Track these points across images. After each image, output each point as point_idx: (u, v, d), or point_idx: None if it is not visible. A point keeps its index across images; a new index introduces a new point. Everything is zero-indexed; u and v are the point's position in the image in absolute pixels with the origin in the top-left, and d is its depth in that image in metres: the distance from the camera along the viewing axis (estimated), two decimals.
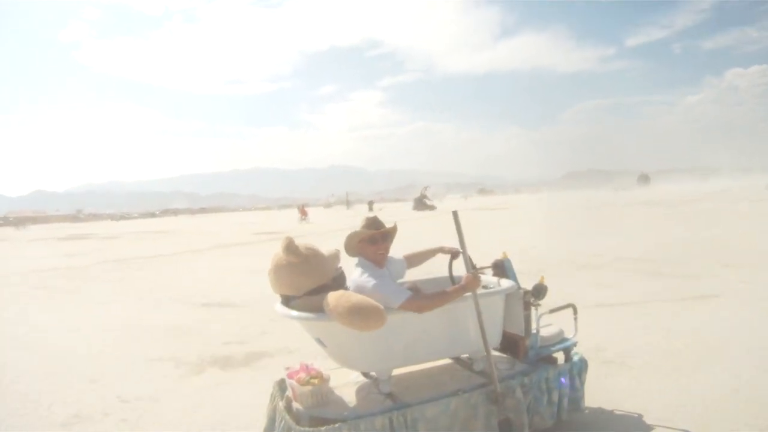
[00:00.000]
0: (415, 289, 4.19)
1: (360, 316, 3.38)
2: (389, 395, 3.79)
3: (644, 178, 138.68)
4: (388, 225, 4.05)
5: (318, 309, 3.61)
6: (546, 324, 4.42)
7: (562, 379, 4.23)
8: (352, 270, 3.91)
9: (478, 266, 4.45)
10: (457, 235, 3.90)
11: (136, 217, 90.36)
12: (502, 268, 4.46)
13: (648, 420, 4.42)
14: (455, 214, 3.90)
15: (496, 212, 41.65)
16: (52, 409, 5.36)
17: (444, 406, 3.71)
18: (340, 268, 4.05)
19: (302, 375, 3.79)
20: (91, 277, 15.40)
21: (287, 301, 3.85)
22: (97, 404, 5.42)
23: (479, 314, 3.75)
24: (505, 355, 4.44)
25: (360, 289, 3.67)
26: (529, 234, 20.89)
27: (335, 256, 4.00)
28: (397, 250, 4.21)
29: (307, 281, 3.77)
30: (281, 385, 4.07)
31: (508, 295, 4.17)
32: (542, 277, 4.25)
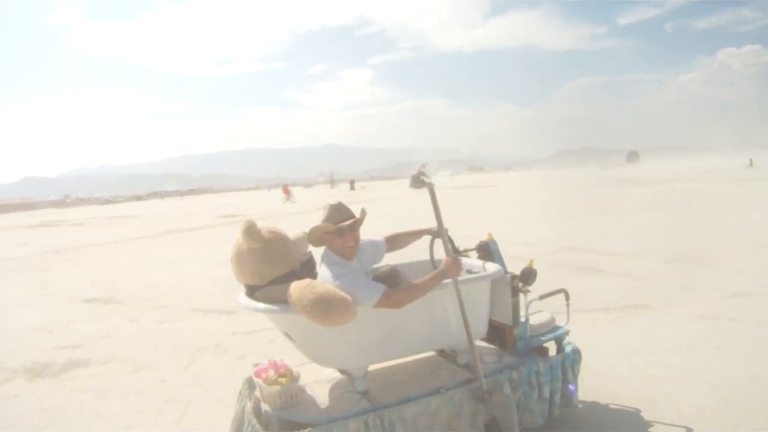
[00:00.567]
0: (393, 273, 3.85)
1: (326, 309, 3.01)
2: (365, 394, 3.47)
3: (633, 156, 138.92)
4: (363, 207, 3.69)
5: (284, 299, 3.23)
6: (536, 311, 4.11)
7: (571, 387, 3.98)
8: (319, 260, 3.57)
9: (460, 249, 4.14)
10: (434, 214, 3.52)
11: (121, 201, 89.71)
12: (487, 251, 4.10)
13: (647, 415, 4.12)
14: (431, 190, 3.51)
15: (476, 191, 41.04)
16: None
17: (424, 405, 3.38)
18: (309, 252, 3.70)
19: (270, 373, 3.47)
20: (3, 270, 14.97)
21: (251, 291, 3.49)
22: None
23: (461, 303, 3.38)
24: (491, 346, 4.12)
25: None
26: (497, 215, 20.43)
27: (303, 240, 3.64)
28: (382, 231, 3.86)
29: (270, 269, 3.42)
30: (250, 384, 3.72)
31: (495, 281, 3.81)
32: (531, 261, 3.91)
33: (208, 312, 8.16)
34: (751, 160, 59.04)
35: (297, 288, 3.12)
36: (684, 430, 3.89)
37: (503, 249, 4.09)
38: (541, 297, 3.99)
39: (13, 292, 11.45)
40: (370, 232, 3.78)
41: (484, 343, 4.13)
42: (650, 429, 3.94)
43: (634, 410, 4.19)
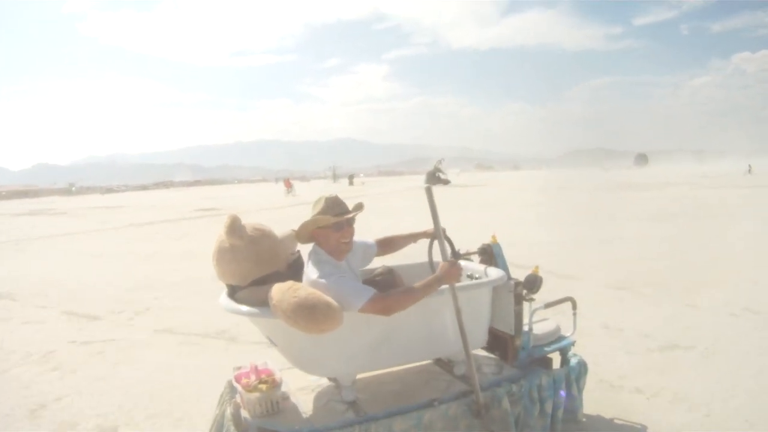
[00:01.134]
0: (390, 276, 3.59)
1: (308, 315, 2.75)
2: (352, 405, 3.22)
3: (642, 159, 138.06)
4: (360, 204, 3.40)
5: (267, 302, 2.97)
6: (540, 319, 3.83)
7: (561, 392, 3.67)
8: (306, 260, 3.30)
9: (461, 251, 3.87)
10: (431, 215, 3.22)
11: (124, 191, 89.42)
12: (490, 255, 3.84)
13: None
14: (428, 190, 3.21)
15: (472, 190, 40.26)
16: None
17: (416, 419, 3.12)
18: (297, 252, 3.46)
19: (251, 378, 3.24)
20: None
21: (233, 291, 3.24)
22: None
23: (458, 311, 3.10)
24: (491, 356, 3.87)
25: (313, 287, 3.03)
26: (469, 217, 19.01)
27: (290, 238, 3.39)
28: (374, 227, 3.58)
29: (253, 268, 3.17)
30: (232, 387, 3.47)
31: (497, 288, 3.54)
32: (536, 267, 3.64)
33: (78, 316, 7.75)
34: (750, 166, 58.19)
35: (278, 290, 2.88)
36: None
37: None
38: (547, 305, 3.71)
39: None
40: (361, 231, 3.50)
41: (483, 353, 3.88)
42: None
43: (640, 426, 3.93)
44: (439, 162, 54.77)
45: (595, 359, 4.58)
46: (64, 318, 7.69)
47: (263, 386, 3.13)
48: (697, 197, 25.15)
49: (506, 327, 3.62)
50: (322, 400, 3.32)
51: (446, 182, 51.23)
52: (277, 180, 71.32)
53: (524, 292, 3.56)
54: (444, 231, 3.42)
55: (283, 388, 3.27)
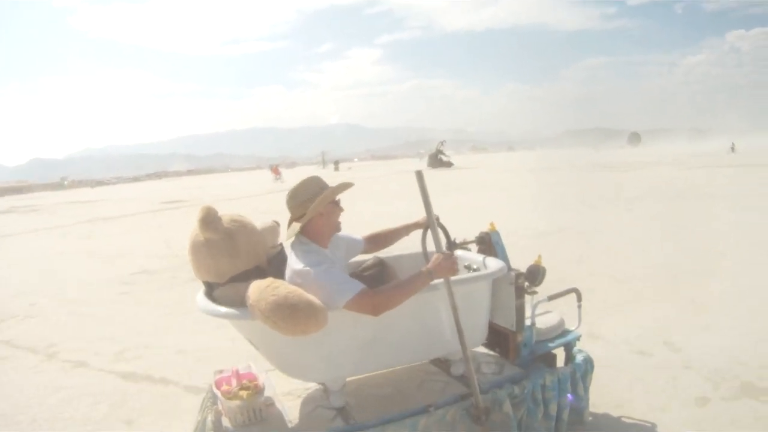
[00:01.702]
0: (378, 266, 3.37)
1: (289, 315, 2.48)
2: (341, 411, 2.98)
3: (635, 138, 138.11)
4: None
5: (245, 300, 2.70)
6: (543, 311, 3.61)
7: (569, 396, 3.44)
8: (289, 251, 3.01)
9: (458, 240, 3.59)
10: (423, 202, 2.92)
11: (115, 183, 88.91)
12: (488, 244, 3.58)
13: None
14: (419, 174, 2.92)
15: (458, 173, 39.77)
16: None
17: (410, 426, 2.87)
18: (280, 245, 3.21)
19: (232, 384, 2.99)
20: None
21: (210, 289, 2.98)
22: None
23: (454, 308, 2.82)
24: (491, 353, 3.61)
25: (297, 278, 2.77)
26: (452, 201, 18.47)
27: (272, 230, 3.14)
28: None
29: (231, 263, 2.90)
30: (214, 392, 3.18)
31: (496, 279, 3.26)
32: (539, 257, 3.40)
33: None
34: (732, 144, 58.08)
35: (256, 288, 2.61)
36: None
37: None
38: (551, 297, 3.48)
39: None
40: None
41: (482, 350, 3.63)
42: None
43: (650, 425, 3.69)
44: (441, 144, 53.99)
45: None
46: None
47: (244, 393, 2.89)
48: (678, 178, 24.55)
49: (507, 322, 3.37)
50: (309, 406, 3.08)
51: (449, 164, 50.65)
52: (270, 166, 71.75)
53: (526, 284, 3.32)
54: (438, 219, 3.16)
55: (268, 393, 3.04)
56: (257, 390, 2.92)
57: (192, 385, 4.70)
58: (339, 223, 3.05)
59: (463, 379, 3.23)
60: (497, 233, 3.57)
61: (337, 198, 3.01)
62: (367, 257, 3.52)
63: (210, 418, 3.01)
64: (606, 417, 3.79)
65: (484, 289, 3.21)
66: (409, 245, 3.82)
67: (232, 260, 2.88)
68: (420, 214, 3.27)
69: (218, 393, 2.94)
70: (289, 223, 3.02)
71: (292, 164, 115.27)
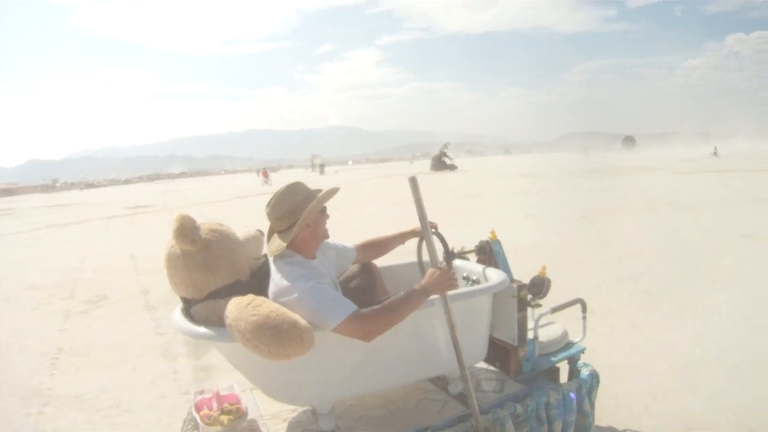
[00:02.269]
0: (364, 275, 3.17)
1: (270, 338, 2.25)
2: None
3: (629, 141, 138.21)
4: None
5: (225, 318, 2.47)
6: (545, 323, 3.40)
7: (572, 394, 3.24)
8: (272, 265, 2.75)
9: (456, 250, 3.40)
10: (417, 210, 2.68)
11: (105, 185, 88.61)
12: (489, 253, 3.38)
13: None
14: (413, 180, 2.69)
15: (441, 176, 39.50)
16: None
17: None
18: (263, 257, 2.97)
19: (213, 407, 2.80)
20: None
21: (188, 305, 2.75)
22: None
23: (451, 326, 2.61)
24: (492, 369, 3.39)
25: (281, 296, 2.52)
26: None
27: (255, 240, 2.92)
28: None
29: (209, 278, 2.67)
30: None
31: (498, 292, 3.04)
32: (543, 267, 3.18)
33: None
34: (715, 148, 58.13)
35: (235, 307, 2.38)
36: None
37: None
38: (554, 310, 3.29)
39: None
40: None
41: (482, 364, 3.41)
42: None
43: None
44: (445, 146, 53.34)
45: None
46: None
47: (225, 418, 2.69)
48: (654, 185, 23.76)
49: (508, 336, 3.17)
50: (296, 429, 2.86)
51: (453, 167, 50.06)
52: (258, 171, 72.43)
53: (529, 297, 3.11)
54: (435, 227, 2.96)
55: (252, 416, 2.84)
56: (239, 414, 2.73)
57: None
58: (326, 231, 2.82)
59: (462, 397, 3.02)
60: (498, 242, 3.38)
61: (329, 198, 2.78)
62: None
63: None
64: (610, 429, 3.63)
65: (485, 303, 3.00)
66: (406, 255, 3.62)
67: (211, 274, 2.67)
68: (413, 222, 3.01)
69: (197, 417, 2.73)
70: (270, 235, 2.78)
71: (277, 168, 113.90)
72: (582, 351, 3.46)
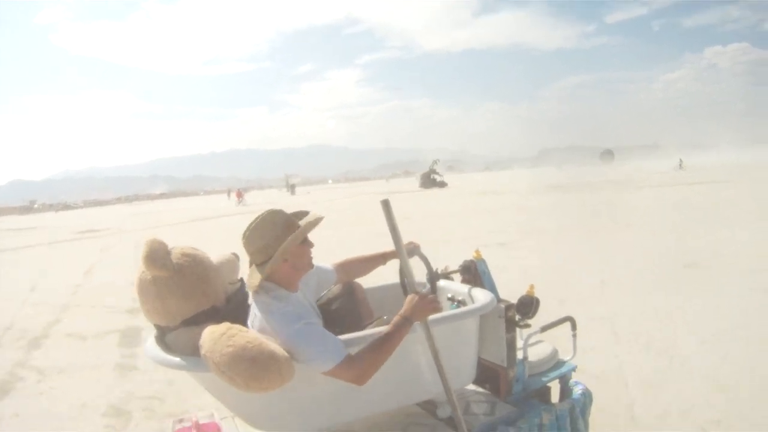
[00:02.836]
0: (345, 297, 3.04)
1: (246, 371, 2.14)
2: None
3: (608, 155, 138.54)
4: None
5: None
6: (534, 342, 3.29)
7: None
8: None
9: (440, 270, 3.31)
10: (390, 233, 2.58)
11: (81, 207, 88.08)
12: (474, 273, 3.27)
13: None
14: (385, 203, 2.57)
15: (409, 195, 39.51)
16: None
17: None
18: (239, 281, 2.85)
19: None
20: None
21: (162, 333, 2.63)
22: None
23: (434, 352, 2.53)
24: (482, 391, 3.28)
25: (266, 335, 2.39)
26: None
27: (230, 264, 2.80)
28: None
29: (183, 304, 2.55)
30: None
31: (484, 313, 2.94)
32: (531, 286, 3.08)
33: None
34: (681, 160, 58.46)
35: (210, 336, 2.26)
36: None
37: None
38: (543, 329, 3.18)
39: None
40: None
41: (472, 386, 3.30)
42: None
43: None
44: (435, 163, 52.92)
45: None
46: None
47: None
48: (614, 200, 23.54)
49: (497, 357, 3.07)
50: None
51: (443, 184, 49.71)
52: (229, 192, 72.61)
53: (518, 317, 3.02)
54: (418, 247, 2.94)
55: None
56: None
57: None
58: (310, 262, 2.66)
59: (452, 421, 2.89)
60: (483, 261, 3.29)
61: (306, 229, 2.60)
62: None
63: None
64: None
65: (472, 325, 2.92)
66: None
67: (184, 300, 2.55)
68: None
69: None
70: (250, 264, 2.62)
71: (248, 189, 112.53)
72: (573, 369, 3.36)
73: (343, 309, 2.98)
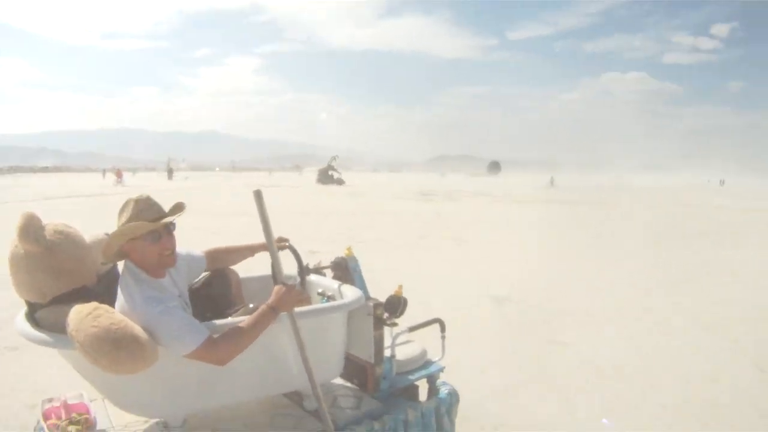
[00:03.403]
0: (217, 279, 3.09)
1: (110, 352, 2.16)
2: None
3: (494, 166, 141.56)
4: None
5: None
6: (403, 341, 3.41)
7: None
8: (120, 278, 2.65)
9: (312, 265, 3.41)
10: (262, 225, 2.68)
11: None
12: (345, 270, 3.39)
13: None
14: (258, 193, 2.68)
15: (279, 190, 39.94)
16: None
17: None
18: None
19: (62, 416, 2.64)
20: None
21: (33, 309, 2.60)
22: None
23: (300, 344, 2.63)
24: (350, 385, 3.40)
25: (128, 316, 2.40)
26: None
27: (102, 244, 2.73)
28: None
29: (53, 281, 2.54)
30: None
31: (353, 309, 3.06)
32: (399, 287, 3.23)
33: None
34: (552, 178, 60.28)
35: (76, 315, 2.27)
36: None
37: None
38: (411, 329, 3.34)
39: None
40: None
41: (341, 381, 3.42)
42: None
43: None
44: (333, 159, 51.16)
45: None
46: None
47: (73, 428, 2.56)
48: (466, 213, 24.86)
49: (365, 354, 3.19)
50: None
51: (340, 182, 48.53)
52: (104, 172, 70.60)
53: (385, 315, 3.14)
54: (287, 242, 3.07)
55: (101, 426, 2.70)
56: (88, 425, 2.62)
57: None
58: (167, 258, 2.60)
59: (318, 414, 2.94)
60: (355, 259, 3.42)
61: (167, 226, 2.57)
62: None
63: None
64: None
65: (340, 320, 3.03)
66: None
67: (55, 277, 2.55)
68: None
69: (44, 427, 2.60)
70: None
71: (136, 170, 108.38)
72: (441, 370, 3.51)
73: (214, 294, 3.02)
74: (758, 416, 4.37)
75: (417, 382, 3.39)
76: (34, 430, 2.88)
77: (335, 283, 3.31)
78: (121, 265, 2.67)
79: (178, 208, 2.67)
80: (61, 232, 2.60)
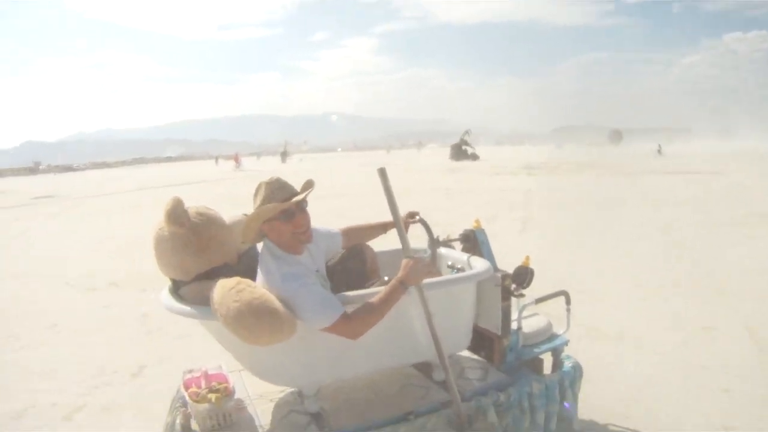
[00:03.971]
0: (356, 257, 3.21)
1: (252, 325, 2.33)
2: (315, 416, 2.84)
3: (616, 136, 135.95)
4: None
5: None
6: (529, 314, 3.46)
7: (566, 404, 3.35)
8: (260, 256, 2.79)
9: (441, 238, 3.48)
10: (387, 201, 2.75)
11: (84, 169, 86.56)
12: (474, 242, 3.43)
13: None
14: (382, 171, 2.76)
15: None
16: None
17: None
18: None
19: (201, 385, 2.85)
20: None
21: (176, 286, 2.85)
22: None
23: (429, 316, 2.70)
24: (476, 358, 3.48)
25: (268, 290, 2.58)
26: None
27: (241, 224, 2.92)
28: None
29: (197, 260, 2.77)
30: None
31: (482, 281, 3.11)
32: (527, 258, 3.25)
33: None
34: (659, 146, 56.87)
35: (220, 290, 2.46)
36: None
37: None
38: (538, 300, 3.35)
39: None
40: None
41: (467, 353, 3.50)
42: None
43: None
44: (466, 133, 49.31)
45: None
46: None
47: (213, 396, 2.76)
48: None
49: (492, 325, 3.25)
50: (282, 410, 2.96)
51: (475, 157, 47.04)
52: (217, 159, 72.14)
53: (513, 286, 3.17)
54: (418, 215, 3.17)
55: (239, 395, 2.91)
56: (227, 393, 2.81)
57: None
58: (302, 235, 2.71)
59: (446, 384, 3.04)
60: (483, 231, 3.45)
61: (299, 204, 2.68)
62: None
63: (179, 420, 2.87)
64: (592, 423, 3.67)
65: (469, 291, 3.09)
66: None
67: (199, 256, 2.77)
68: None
69: (186, 395, 2.82)
70: None
71: (259, 154, 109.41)
72: (566, 343, 3.53)
73: (351, 269, 3.16)
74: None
75: (541, 355, 3.41)
76: (173, 399, 3.14)
77: (464, 256, 3.38)
78: (260, 244, 2.84)
79: (307, 185, 2.79)
80: (203, 214, 2.81)
